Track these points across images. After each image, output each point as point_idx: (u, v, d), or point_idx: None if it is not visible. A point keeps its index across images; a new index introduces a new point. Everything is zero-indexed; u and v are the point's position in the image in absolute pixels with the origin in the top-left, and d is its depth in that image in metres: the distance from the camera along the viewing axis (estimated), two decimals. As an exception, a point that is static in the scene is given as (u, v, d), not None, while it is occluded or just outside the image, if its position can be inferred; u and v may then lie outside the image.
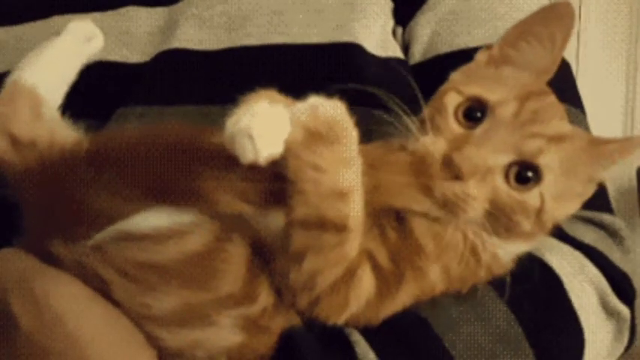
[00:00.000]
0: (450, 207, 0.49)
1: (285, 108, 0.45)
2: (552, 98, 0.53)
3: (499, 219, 0.50)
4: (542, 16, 0.53)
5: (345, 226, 0.46)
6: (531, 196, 0.50)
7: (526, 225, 0.50)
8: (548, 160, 0.50)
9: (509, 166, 0.50)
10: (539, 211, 0.50)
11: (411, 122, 0.52)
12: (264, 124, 0.43)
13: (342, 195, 0.46)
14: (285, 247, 0.46)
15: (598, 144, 0.52)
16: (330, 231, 0.46)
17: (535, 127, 0.50)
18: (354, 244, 0.47)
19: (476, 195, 0.49)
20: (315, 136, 0.45)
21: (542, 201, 0.50)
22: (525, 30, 0.54)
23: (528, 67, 0.54)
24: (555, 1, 0.54)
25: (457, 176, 0.49)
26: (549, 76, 0.54)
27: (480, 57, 0.55)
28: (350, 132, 0.46)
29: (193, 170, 0.48)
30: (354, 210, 0.46)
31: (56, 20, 0.72)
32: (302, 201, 0.45)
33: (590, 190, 0.53)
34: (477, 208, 0.49)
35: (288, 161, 0.45)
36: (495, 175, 0.49)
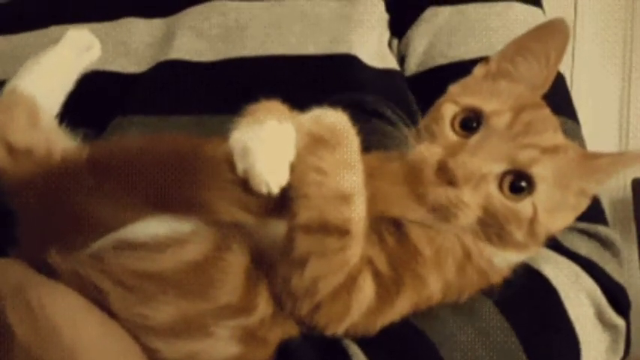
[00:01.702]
0: (442, 213, 0.50)
1: (290, 123, 0.45)
2: (546, 111, 0.54)
3: (491, 227, 0.50)
4: (538, 32, 0.55)
5: (347, 230, 0.46)
6: (524, 206, 0.50)
7: (518, 235, 0.51)
8: (542, 171, 0.50)
9: (504, 175, 0.50)
10: (532, 222, 0.50)
11: (407, 132, 0.52)
12: (274, 154, 0.43)
13: (345, 198, 0.46)
14: (288, 252, 0.46)
15: (592, 158, 0.53)
16: (333, 235, 0.46)
17: (529, 138, 0.50)
18: (356, 249, 0.47)
19: (469, 202, 0.49)
20: (318, 140, 0.46)
21: (535, 211, 0.50)
22: (522, 46, 0.55)
23: (524, 81, 0.54)
24: (551, 19, 0.55)
25: (451, 182, 0.49)
26: (544, 90, 0.55)
27: (478, 71, 0.56)
28: (352, 138, 0.47)
29: (195, 180, 0.48)
30: (357, 214, 0.46)
31: (54, 30, 0.72)
32: (305, 205, 0.45)
33: (583, 204, 0.53)
34: (468, 215, 0.50)
35: (291, 167, 0.45)
36: (489, 183, 0.50)
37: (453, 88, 0.55)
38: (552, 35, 0.54)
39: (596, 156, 0.53)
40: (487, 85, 0.55)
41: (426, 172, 0.50)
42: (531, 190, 0.50)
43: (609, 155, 0.53)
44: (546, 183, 0.50)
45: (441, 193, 0.49)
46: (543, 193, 0.50)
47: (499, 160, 0.50)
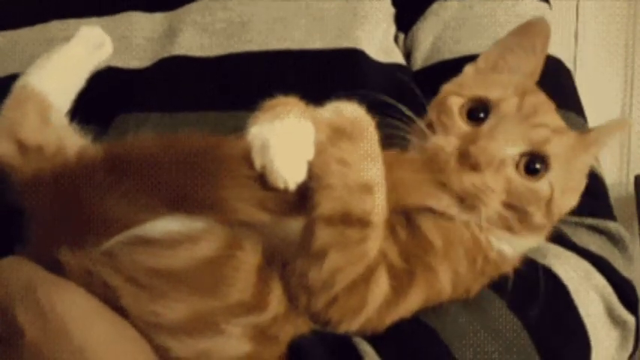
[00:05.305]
0: (470, 200, 0.50)
1: (309, 120, 0.45)
2: (544, 96, 0.55)
3: (514, 211, 0.51)
4: (520, 30, 0.57)
5: (369, 222, 0.46)
6: (542, 185, 0.51)
7: (538, 215, 0.52)
8: (555, 149, 0.52)
9: (519, 157, 0.51)
10: (549, 201, 0.52)
11: (421, 124, 0.53)
12: (292, 151, 0.44)
13: (367, 189, 0.46)
14: (306, 245, 0.46)
15: (584, 134, 0.54)
16: (354, 226, 0.46)
17: (539, 118, 0.52)
18: (375, 241, 0.47)
19: (494, 186, 0.50)
20: (340, 132, 0.46)
21: (552, 190, 0.51)
22: (508, 42, 0.57)
23: (515, 72, 0.56)
24: (531, 19, 0.57)
25: (474, 168, 0.50)
26: (536, 78, 0.57)
27: (468, 69, 0.58)
28: (372, 130, 0.47)
29: (212, 179, 0.48)
30: (379, 205, 0.47)
31: (55, 25, 0.71)
32: (328, 196, 0.45)
33: (582, 183, 0.55)
34: (494, 200, 0.50)
35: (313, 159, 0.45)
36: (508, 167, 0.51)
37: (447, 87, 0.56)
38: (534, 30, 0.56)
39: (587, 131, 0.55)
40: (481, 78, 0.56)
41: (448, 160, 0.50)
42: (546, 170, 0.51)
43: (599, 127, 0.55)
44: (558, 162, 0.52)
45: (465, 180, 0.50)
46: (556, 172, 0.52)
47: (516, 141, 0.51)
